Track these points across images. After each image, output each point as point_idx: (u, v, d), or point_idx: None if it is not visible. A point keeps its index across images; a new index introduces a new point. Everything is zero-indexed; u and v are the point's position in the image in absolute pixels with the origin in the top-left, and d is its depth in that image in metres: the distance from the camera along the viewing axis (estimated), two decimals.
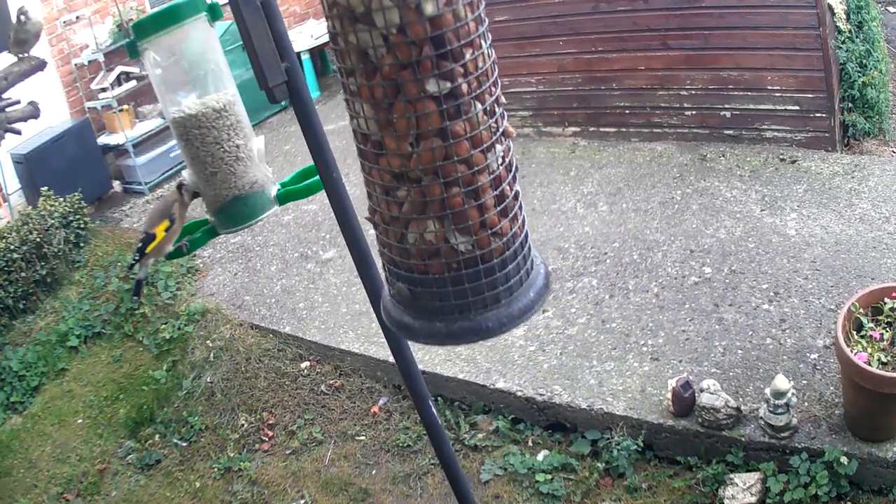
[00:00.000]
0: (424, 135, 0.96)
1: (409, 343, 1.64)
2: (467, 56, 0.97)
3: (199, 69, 1.71)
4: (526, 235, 1.09)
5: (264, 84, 1.27)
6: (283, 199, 1.79)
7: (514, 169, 1.06)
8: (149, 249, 1.72)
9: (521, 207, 1.08)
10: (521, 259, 1.07)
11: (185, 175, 1.77)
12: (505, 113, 1.05)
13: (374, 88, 0.95)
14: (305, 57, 7.82)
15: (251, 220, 1.78)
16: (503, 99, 1.05)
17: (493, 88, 1.02)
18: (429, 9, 0.92)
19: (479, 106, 0.99)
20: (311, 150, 1.38)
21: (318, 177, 1.82)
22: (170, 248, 1.76)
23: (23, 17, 2.85)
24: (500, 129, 1.03)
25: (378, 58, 0.94)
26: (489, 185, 1.01)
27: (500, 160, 1.03)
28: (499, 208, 1.03)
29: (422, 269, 1.03)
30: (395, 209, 1.02)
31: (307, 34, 8.04)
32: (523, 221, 1.08)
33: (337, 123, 7.10)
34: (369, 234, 1.36)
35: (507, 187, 1.04)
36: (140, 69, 6.64)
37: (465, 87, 0.97)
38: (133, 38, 1.59)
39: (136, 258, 1.73)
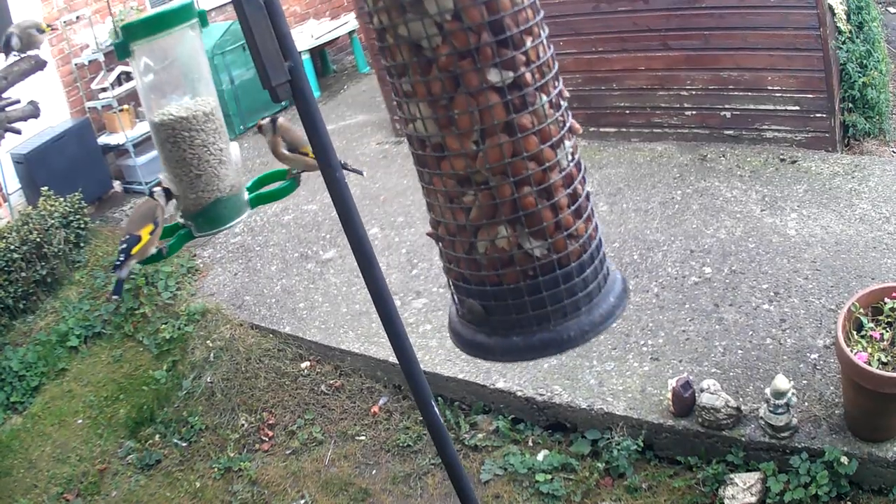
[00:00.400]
0: (489, 130, 0.89)
1: (411, 342, 1.64)
2: (528, 43, 0.90)
3: (189, 73, 1.73)
4: (600, 238, 1.02)
5: (267, 83, 1.26)
6: (253, 202, 1.83)
7: (583, 167, 0.99)
8: (134, 251, 1.73)
9: (593, 208, 1.01)
10: (597, 263, 1.00)
11: (162, 179, 1.79)
12: (569, 108, 0.98)
13: (430, 84, 0.89)
14: (305, 57, 7.82)
15: (230, 222, 1.82)
16: (566, 93, 0.98)
17: (555, 80, 0.95)
18: None
19: (544, 98, 0.92)
20: (315, 150, 1.38)
21: (285, 182, 1.88)
22: (153, 250, 1.77)
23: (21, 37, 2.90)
24: (567, 124, 0.97)
25: (433, 49, 0.87)
26: (561, 183, 0.94)
27: (569, 157, 0.96)
28: (573, 208, 0.96)
29: (495, 280, 0.96)
30: (462, 217, 0.94)
31: (307, 34, 8.04)
32: (597, 224, 1.01)
33: (337, 123, 7.11)
34: (372, 234, 1.36)
35: (579, 186, 0.97)
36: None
37: (528, 77, 0.90)
38: (123, 40, 1.59)
39: (121, 259, 1.74)
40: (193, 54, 1.73)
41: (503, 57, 0.88)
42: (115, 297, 1.79)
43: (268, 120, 1.90)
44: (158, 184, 1.81)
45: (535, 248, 0.94)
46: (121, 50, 1.61)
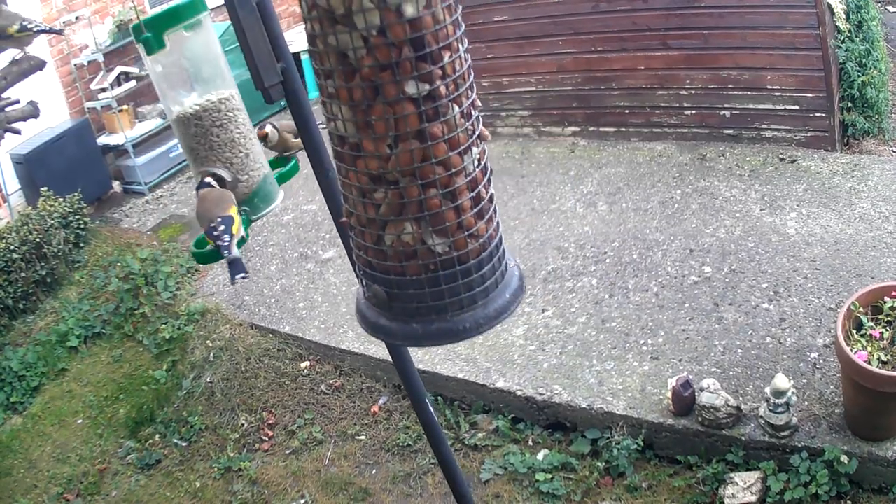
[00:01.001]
0: (403, 136, 0.97)
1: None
2: (446, 59, 0.97)
3: (219, 59, 1.78)
4: (500, 238, 1.09)
5: (260, 85, 1.27)
6: (279, 181, 1.85)
7: (489, 171, 1.07)
8: (234, 230, 1.67)
9: (495, 210, 1.08)
10: (496, 261, 1.08)
11: (217, 172, 1.73)
12: (480, 116, 1.06)
13: (352, 90, 0.96)
14: (305, 57, 7.82)
15: (276, 198, 1.83)
16: (478, 102, 1.06)
17: (469, 92, 1.02)
18: (409, 11, 0.92)
19: (456, 108, 1.00)
20: (307, 150, 1.39)
21: (292, 162, 1.91)
22: (243, 232, 1.74)
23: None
24: (476, 132, 1.04)
25: (358, 59, 0.94)
26: (466, 187, 1.02)
27: (476, 162, 1.03)
28: (475, 210, 1.04)
29: (399, 271, 1.03)
30: (373, 211, 1.02)
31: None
32: (498, 224, 1.09)
33: None
34: None
35: (483, 189, 1.05)
36: (140, 69, 6.64)
37: (443, 90, 0.97)
38: (155, 32, 1.59)
39: (227, 241, 1.65)
40: (211, 42, 1.75)
41: (421, 71, 0.95)
42: (243, 275, 1.66)
43: (270, 127, 1.95)
44: (203, 182, 1.73)
45: (437, 244, 1.01)
46: (152, 43, 1.60)
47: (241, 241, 1.72)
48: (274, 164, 1.94)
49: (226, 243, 1.65)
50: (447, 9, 0.96)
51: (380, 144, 0.97)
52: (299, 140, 1.95)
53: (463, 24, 1.00)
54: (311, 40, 0.98)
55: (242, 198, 1.77)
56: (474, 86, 1.04)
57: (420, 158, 0.98)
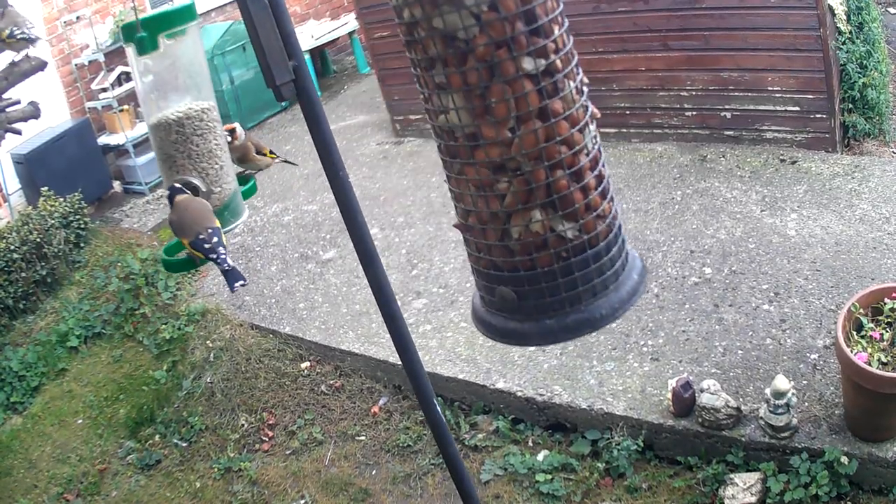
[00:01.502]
0: (524, 117, 0.92)
1: (413, 343, 1.64)
2: (556, 32, 0.93)
3: (203, 69, 1.76)
4: (620, 217, 1.05)
5: (271, 82, 1.26)
6: (244, 196, 1.88)
7: (602, 150, 1.03)
8: (226, 241, 1.68)
9: (612, 189, 1.04)
10: (621, 241, 1.04)
11: (192, 181, 1.73)
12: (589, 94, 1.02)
13: (467, 74, 0.91)
14: (306, 57, 7.82)
15: (243, 212, 1.84)
16: (587, 79, 1.01)
17: (577, 68, 0.98)
18: None
19: (570, 84, 0.95)
20: (318, 149, 1.38)
21: (251, 182, 1.93)
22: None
23: None
24: (590, 109, 1.00)
25: (469, 39, 0.89)
26: (588, 165, 0.98)
27: (594, 140, 0.99)
28: (599, 189, 1.00)
29: (528, 265, 0.98)
30: (496, 204, 0.97)
31: (307, 34, 8.04)
32: (616, 203, 1.04)
33: (338, 124, 7.11)
34: (372, 234, 1.35)
35: (603, 168, 1.01)
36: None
37: (559, 64, 0.93)
38: (150, 33, 1.59)
39: (224, 253, 1.64)
40: (197, 51, 1.76)
41: (536, 45, 0.91)
42: (241, 283, 1.65)
43: (239, 127, 1.98)
44: (176, 188, 1.71)
45: (567, 229, 0.97)
46: (146, 44, 1.60)
47: (224, 246, 1.73)
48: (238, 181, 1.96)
49: (223, 255, 1.64)
50: None
51: (501, 129, 0.93)
52: (259, 158, 1.98)
53: (562, 1, 0.96)
54: (409, 29, 0.93)
55: (214, 209, 1.75)
56: (579, 63, 0.99)
57: (544, 138, 0.93)
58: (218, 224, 1.68)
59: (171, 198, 1.70)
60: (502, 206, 0.96)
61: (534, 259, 0.98)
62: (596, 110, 1.02)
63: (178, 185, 1.71)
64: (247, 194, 1.90)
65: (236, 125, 1.99)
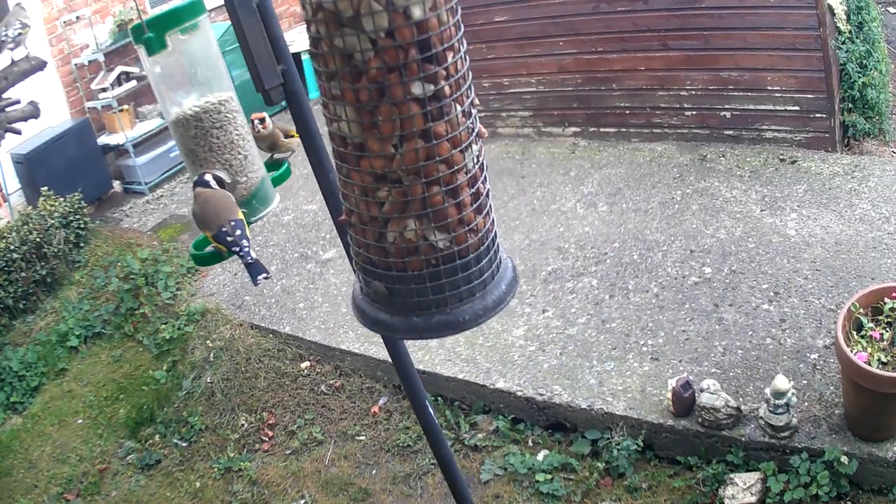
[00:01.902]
0: (408, 136, 0.99)
1: (408, 343, 1.65)
2: (449, 59, 0.99)
3: (217, 61, 1.77)
4: (496, 232, 1.13)
5: (260, 86, 1.27)
6: (273, 183, 1.86)
7: (485, 168, 1.10)
8: (248, 233, 1.67)
9: (491, 205, 1.11)
10: (492, 254, 1.11)
11: (216, 173, 1.72)
12: (477, 115, 1.09)
13: (359, 92, 0.97)
14: (305, 57, 7.82)
15: (273, 199, 1.83)
16: (477, 101, 1.08)
17: (469, 91, 1.05)
18: (416, 13, 0.94)
19: (458, 108, 1.02)
20: (308, 152, 1.39)
21: (284, 165, 1.92)
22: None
23: None
24: (475, 130, 1.06)
25: (365, 61, 0.95)
26: (466, 183, 1.05)
27: (475, 160, 1.06)
28: (475, 205, 1.06)
29: (400, 266, 1.06)
30: (375, 209, 1.04)
31: (307, 34, 8.03)
32: (493, 219, 1.12)
33: None
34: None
35: (482, 185, 1.08)
36: (140, 69, 6.64)
37: (447, 90, 0.99)
38: (157, 32, 1.59)
39: (246, 246, 1.63)
40: (210, 44, 1.75)
41: (427, 72, 0.97)
42: (265, 276, 1.65)
43: (266, 114, 1.96)
44: (202, 180, 1.70)
45: (439, 240, 1.04)
46: (154, 43, 1.60)
47: (247, 238, 1.73)
48: (267, 167, 1.95)
49: (246, 248, 1.64)
50: (450, 11, 0.98)
51: (385, 144, 0.99)
52: (288, 141, 1.98)
53: (462, 26, 1.02)
54: (314, 42, 0.99)
55: (241, 200, 1.76)
56: (472, 86, 1.06)
57: (424, 157, 1.00)
58: (241, 216, 1.67)
59: (195, 188, 1.71)
60: (381, 211, 1.03)
61: (406, 262, 1.05)
62: (483, 130, 1.09)
63: (205, 177, 1.70)
64: (280, 179, 1.90)
65: (265, 114, 1.98)
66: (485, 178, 1.09)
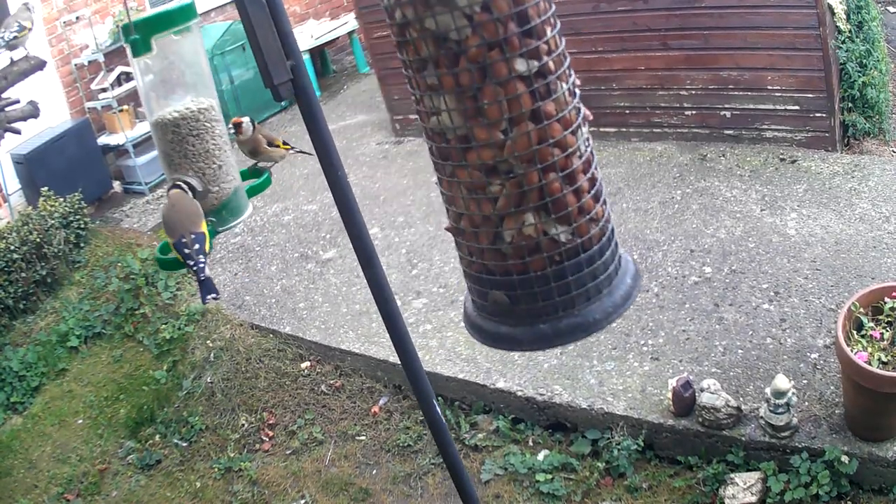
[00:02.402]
0: (517, 119, 0.91)
1: (412, 342, 1.64)
2: (548, 33, 0.93)
3: (198, 68, 1.76)
4: (612, 221, 1.04)
5: (269, 82, 1.26)
6: (249, 193, 1.84)
7: (594, 153, 1.03)
8: (207, 249, 1.66)
9: (607, 192, 1.03)
10: (614, 245, 1.03)
11: (188, 180, 1.73)
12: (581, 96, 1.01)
13: (459, 75, 0.90)
14: (305, 57, 7.83)
15: (245, 210, 1.82)
16: (579, 81, 1.01)
17: (570, 69, 0.98)
18: None
19: (563, 85, 0.95)
20: (317, 149, 1.38)
21: (264, 175, 1.90)
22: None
23: None
24: (582, 112, 0.99)
25: (462, 40, 0.88)
26: (581, 168, 0.97)
27: (587, 142, 0.99)
28: (592, 192, 0.99)
29: (521, 268, 0.97)
30: (488, 207, 0.96)
31: (307, 34, 8.04)
32: (609, 207, 1.04)
33: (337, 123, 7.10)
34: (372, 234, 1.35)
35: (596, 171, 1.00)
36: None
37: (551, 65, 0.93)
38: (141, 35, 1.59)
39: (203, 262, 1.63)
40: (198, 50, 1.75)
41: (528, 46, 0.90)
42: (213, 296, 1.64)
43: (247, 120, 1.95)
44: (174, 185, 1.70)
45: (560, 233, 0.96)
46: (139, 45, 1.60)
47: (205, 254, 1.72)
48: (245, 175, 1.94)
49: (201, 264, 1.62)
50: None
51: (493, 131, 0.92)
52: (272, 150, 1.96)
53: (554, 3, 0.96)
54: (400, 30, 0.93)
55: (211, 209, 1.75)
56: (571, 65, 0.99)
57: (537, 141, 0.92)
58: (204, 229, 1.65)
59: (168, 192, 1.71)
60: (494, 209, 0.95)
61: (527, 263, 0.97)
62: (588, 112, 1.02)
63: (176, 182, 1.70)
64: (260, 188, 1.89)
65: (244, 119, 1.96)
66: (596, 163, 1.01)
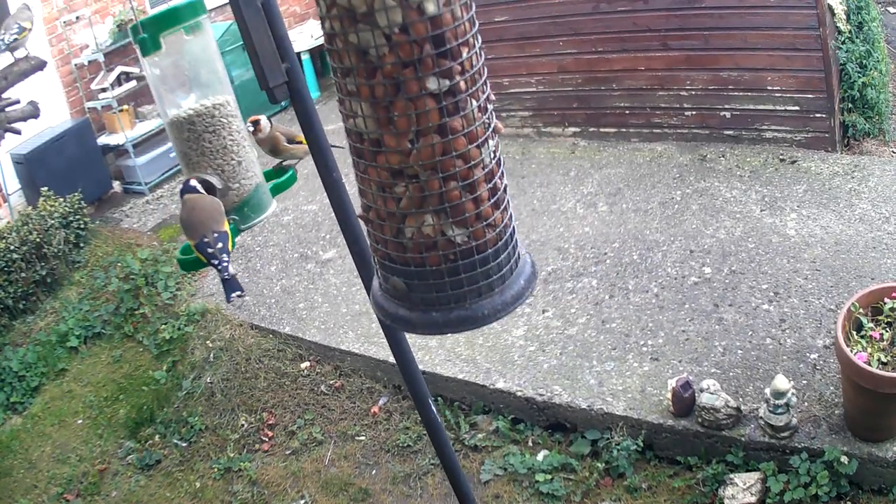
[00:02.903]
0: (424, 131, 0.99)
1: (409, 342, 1.65)
2: (464, 55, 0.99)
3: (216, 64, 1.76)
4: (514, 227, 1.13)
5: (265, 84, 1.27)
6: (273, 192, 1.84)
7: (502, 163, 1.10)
8: (231, 247, 1.66)
9: (509, 200, 1.11)
10: (511, 248, 1.11)
11: (207, 178, 1.70)
12: (493, 110, 1.08)
13: (374, 87, 0.97)
14: (305, 57, 7.83)
15: (269, 207, 1.81)
16: (493, 96, 1.08)
17: (485, 86, 1.05)
18: (430, 8, 0.94)
19: (473, 103, 1.02)
20: (312, 151, 1.39)
21: (289, 172, 1.90)
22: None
23: None
24: (492, 126, 1.07)
25: (379, 57, 0.95)
26: (483, 178, 1.04)
27: (492, 154, 1.06)
28: (492, 200, 1.06)
29: (419, 262, 1.06)
30: (393, 205, 1.04)
31: (307, 34, 8.04)
32: (511, 213, 1.12)
33: (337, 124, 7.09)
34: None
35: (499, 180, 1.08)
36: (140, 69, 6.64)
37: (462, 85, 1.00)
38: (151, 33, 1.58)
39: (226, 261, 1.62)
40: (209, 45, 1.75)
41: (442, 67, 0.97)
42: (238, 293, 1.64)
43: (264, 119, 1.94)
44: (187, 185, 1.68)
45: (456, 235, 1.04)
46: (148, 44, 1.59)
47: (228, 253, 1.71)
48: (270, 175, 1.92)
49: (225, 263, 1.62)
50: (464, 6, 0.98)
51: (401, 140, 0.99)
52: (293, 147, 1.95)
53: (477, 22, 1.02)
54: (329, 38, 1.00)
55: (232, 206, 1.74)
56: (488, 81, 1.06)
57: (441, 152, 1.00)
58: (227, 227, 1.66)
59: (182, 195, 1.69)
60: (398, 207, 1.03)
61: (424, 258, 1.05)
62: (500, 125, 1.09)
63: (192, 182, 1.68)
64: (284, 186, 1.88)
65: (261, 118, 1.95)
66: (502, 173, 1.09)
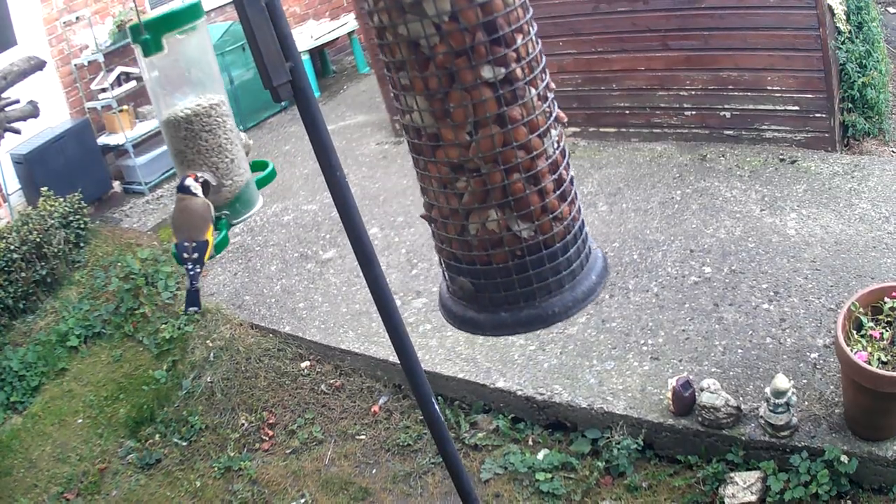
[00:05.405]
0: (482, 122, 0.95)
1: (411, 341, 1.65)
2: (518, 41, 0.96)
3: (212, 65, 1.79)
4: (582, 220, 1.08)
5: (268, 83, 1.27)
6: (258, 185, 1.89)
7: (567, 154, 1.06)
8: (207, 258, 1.67)
9: (576, 192, 1.07)
10: (580, 243, 1.06)
11: (203, 176, 1.73)
12: (555, 99, 1.04)
13: (427, 79, 0.94)
14: (305, 57, 7.83)
15: (255, 203, 1.85)
16: (553, 85, 1.04)
17: (543, 74, 1.01)
18: None
19: (532, 91, 0.98)
20: (316, 150, 1.38)
21: (269, 168, 1.93)
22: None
23: None
24: (553, 114, 1.02)
25: (431, 47, 0.92)
26: (547, 169, 1.00)
27: (555, 145, 1.02)
28: (558, 192, 1.02)
29: (485, 260, 1.02)
30: (455, 201, 1.00)
31: (307, 34, 8.04)
32: (580, 206, 1.07)
33: (337, 124, 7.11)
34: (372, 234, 1.35)
35: (564, 171, 1.03)
36: (140, 70, 6.64)
37: (519, 72, 0.96)
38: (153, 34, 1.60)
39: (196, 270, 1.64)
40: (206, 47, 1.78)
41: (496, 54, 0.93)
42: (194, 308, 1.68)
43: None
44: (181, 186, 1.70)
45: (522, 230, 1.00)
46: (150, 45, 1.60)
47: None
48: (253, 167, 1.96)
49: (196, 272, 1.65)
50: None
51: (459, 132, 0.96)
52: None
53: (531, 8, 0.99)
54: (379, 33, 0.97)
55: (225, 202, 1.78)
56: (547, 69, 1.02)
57: (501, 143, 0.96)
58: (208, 237, 1.67)
59: (178, 192, 1.73)
60: (461, 203, 1.00)
61: (490, 255, 1.01)
62: (562, 115, 1.05)
63: (187, 182, 1.71)
64: (267, 180, 1.91)
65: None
66: (567, 164, 1.04)
